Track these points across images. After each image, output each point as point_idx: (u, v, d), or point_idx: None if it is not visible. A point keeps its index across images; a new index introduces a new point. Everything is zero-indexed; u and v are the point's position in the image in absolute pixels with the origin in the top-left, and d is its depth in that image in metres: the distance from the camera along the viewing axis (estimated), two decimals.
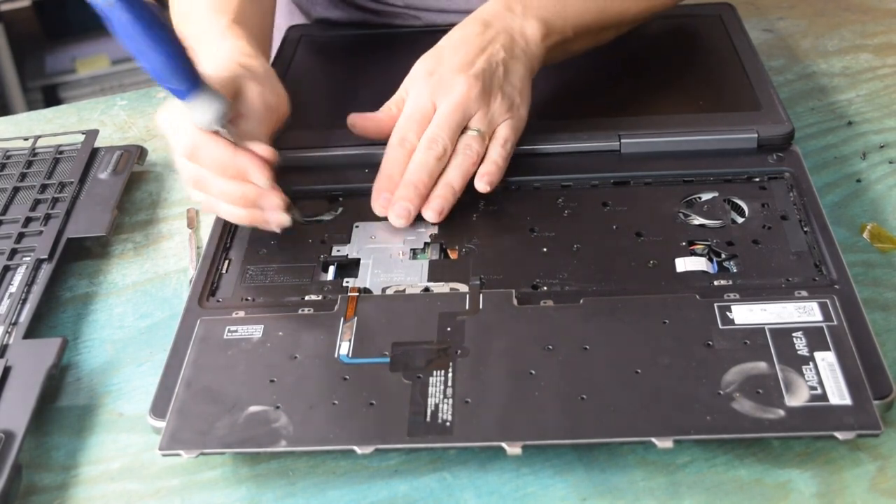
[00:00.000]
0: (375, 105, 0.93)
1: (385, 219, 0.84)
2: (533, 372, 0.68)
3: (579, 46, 0.95)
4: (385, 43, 1.11)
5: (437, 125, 0.84)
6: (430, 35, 1.09)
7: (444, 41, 0.89)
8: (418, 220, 0.84)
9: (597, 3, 0.93)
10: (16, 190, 0.94)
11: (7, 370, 0.73)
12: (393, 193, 0.83)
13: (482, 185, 0.84)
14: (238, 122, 0.80)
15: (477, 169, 0.84)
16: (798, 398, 0.64)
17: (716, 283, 0.75)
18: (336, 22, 1.15)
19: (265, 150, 0.79)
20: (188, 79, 0.74)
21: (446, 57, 0.87)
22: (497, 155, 0.85)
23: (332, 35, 1.13)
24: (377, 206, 0.83)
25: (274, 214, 0.80)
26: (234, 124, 0.79)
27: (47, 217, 0.89)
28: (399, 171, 0.83)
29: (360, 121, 0.88)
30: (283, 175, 0.89)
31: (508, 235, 0.82)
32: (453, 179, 0.83)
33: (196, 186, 0.81)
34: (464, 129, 0.85)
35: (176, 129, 0.79)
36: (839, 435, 0.62)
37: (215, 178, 0.79)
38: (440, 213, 0.83)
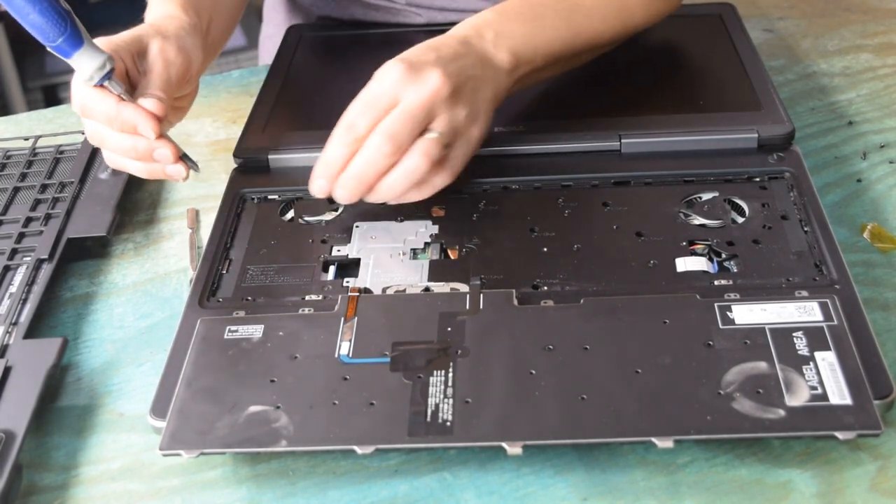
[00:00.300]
0: None
1: (386, 219, 0.84)
2: (533, 372, 0.68)
3: (549, 74, 0.93)
4: (385, 42, 1.11)
5: (399, 119, 0.77)
6: (431, 34, 1.09)
7: (417, 45, 0.83)
8: (419, 218, 0.84)
9: (569, 31, 0.90)
10: (16, 190, 0.94)
11: (7, 370, 0.73)
12: (330, 182, 0.79)
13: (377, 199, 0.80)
14: (139, 80, 0.82)
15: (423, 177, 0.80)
16: (798, 398, 0.64)
17: (716, 282, 0.75)
18: (338, 19, 1.16)
19: (152, 103, 0.80)
20: (68, 37, 0.77)
21: (420, 52, 0.82)
22: (438, 182, 0.81)
23: (332, 35, 1.13)
24: (313, 189, 0.80)
25: (168, 167, 0.82)
26: (135, 82, 0.82)
27: (48, 217, 0.89)
28: (340, 159, 0.78)
29: None
30: (285, 175, 0.90)
31: (509, 235, 0.82)
32: (396, 186, 0.78)
33: (95, 142, 0.83)
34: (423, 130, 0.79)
35: (73, 90, 0.81)
36: (839, 435, 0.62)
37: (109, 132, 0.81)
38: (374, 200, 0.80)
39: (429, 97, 0.78)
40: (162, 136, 0.81)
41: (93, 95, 0.80)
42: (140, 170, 0.83)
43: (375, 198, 0.80)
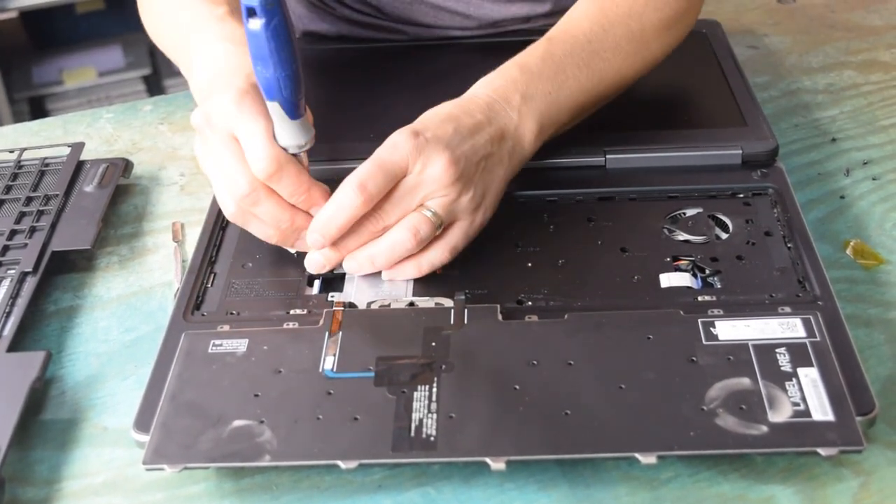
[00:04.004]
0: (358, 120, 0.94)
1: None
2: (517, 387, 0.68)
3: (573, 124, 0.90)
4: (370, 58, 1.11)
5: (401, 192, 0.77)
6: (415, 50, 1.10)
7: (438, 109, 0.82)
8: None
9: (591, 79, 0.87)
10: (0, 202, 0.94)
11: None
12: (325, 237, 0.77)
13: (386, 275, 0.79)
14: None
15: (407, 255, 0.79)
16: (781, 414, 0.64)
17: (700, 298, 0.75)
18: (323, 35, 1.16)
19: (325, 190, 0.78)
20: (303, 96, 0.75)
21: (437, 124, 0.79)
22: (428, 261, 0.79)
23: (317, 49, 1.14)
24: (309, 239, 0.78)
25: (303, 244, 0.80)
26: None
27: (32, 230, 0.89)
28: (343, 219, 0.76)
29: None
30: None
31: (493, 250, 0.82)
32: (377, 257, 0.78)
33: (249, 203, 0.77)
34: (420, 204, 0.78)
35: (251, 146, 0.76)
36: (822, 451, 0.62)
37: (270, 201, 0.77)
38: (352, 271, 0.80)
39: (428, 181, 0.77)
40: None
41: (290, 164, 0.76)
42: (272, 237, 0.80)
43: (355, 265, 0.79)
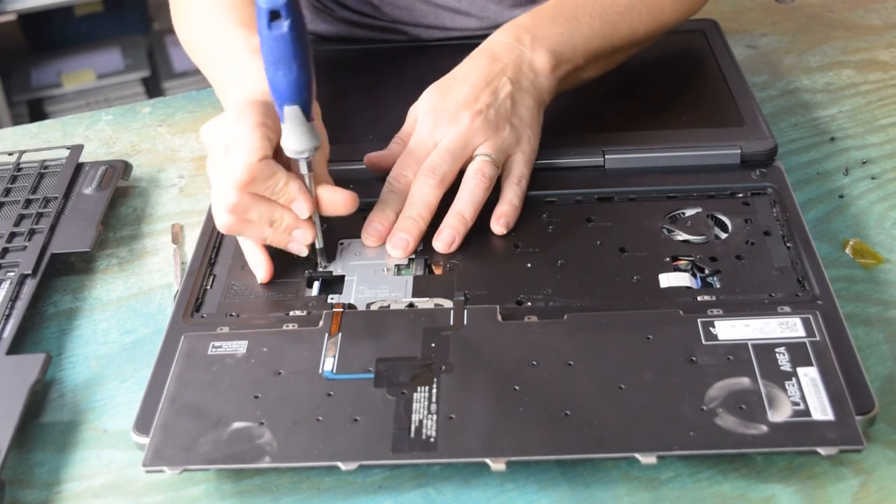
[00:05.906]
0: (358, 121, 0.93)
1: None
2: (517, 387, 0.68)
3: (591, 73, 0.95)
4: (370, 59, 1.11)
5: (436, 154, 0.83)
6: (416, 51, 1.10)
7: (451, 74, 0.87)
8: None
9: (604, 28, 0.92)
10: (0, 205, 0.94)
11: None
12: (383, 225, 0.82)
13: (499, 228, 0.83)
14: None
15: (487, 197, 0.83)
16: (781, 413, 0.64)
17: (699, 298, 0.75)
18: (323, 36, 1.16)
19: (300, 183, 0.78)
20: (312, 98, 0.75)
21: (451, 92, 0.85)
22: (513, 195, 0.84)
23: (316, 50, 1.13)
24: (365, 236, 0.82)
25: (297, 246, 0.80)
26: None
27: (31, 232, 0.89)
28: (393, 206, 0.83)
29: (375, 159, 0.87)
30: None
31: (493, 251, 0.82)
32: (463, 208, 0.82)
33: (236, 211, 0.77)
34: (472, 158, 0.84)
35: (233, 157, 0.76)
36: (822, 450, 0.62)
37: (261, 204, 0.77)
38: (450, 244, 0.81)
39: (462, 133, 0.83)
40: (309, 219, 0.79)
41: (265, 167, 0.75)
42: (268, 237, 0.80)
43: (448, 235, 0.81)
